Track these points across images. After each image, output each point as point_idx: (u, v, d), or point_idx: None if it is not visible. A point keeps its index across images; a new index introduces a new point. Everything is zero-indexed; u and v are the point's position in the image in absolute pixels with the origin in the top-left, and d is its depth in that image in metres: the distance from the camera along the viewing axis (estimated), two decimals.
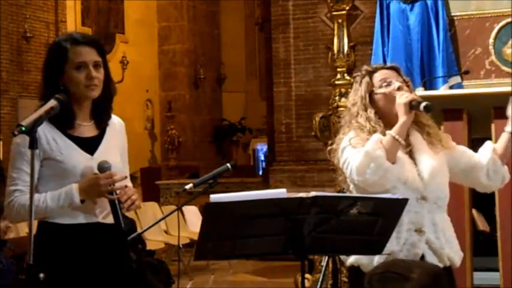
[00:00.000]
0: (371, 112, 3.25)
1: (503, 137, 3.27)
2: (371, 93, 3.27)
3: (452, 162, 3.30)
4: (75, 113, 3.04)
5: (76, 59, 3.00)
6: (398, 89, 3.22)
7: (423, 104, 3.13)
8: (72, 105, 3.02)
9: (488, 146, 3.31)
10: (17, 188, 2.92)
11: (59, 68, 3.01)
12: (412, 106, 3.14)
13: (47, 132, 2.98)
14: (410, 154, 3.24)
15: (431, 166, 3.21)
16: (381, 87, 3.25)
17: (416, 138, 3.25)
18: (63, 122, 3.00)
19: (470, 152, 3.35)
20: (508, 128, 3.23)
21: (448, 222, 3.28)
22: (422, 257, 3.18)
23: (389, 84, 3.24)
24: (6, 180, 3.05)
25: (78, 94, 3.01)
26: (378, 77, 3.27)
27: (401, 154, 3.21)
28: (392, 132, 3.13)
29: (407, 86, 3.27)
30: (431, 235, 3.19)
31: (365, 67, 3.36)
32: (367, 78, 3.29)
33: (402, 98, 3.16)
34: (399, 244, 3.14)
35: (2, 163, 8.44)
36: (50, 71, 3.05)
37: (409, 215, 3.16)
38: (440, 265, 3.16)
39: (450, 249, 3.20)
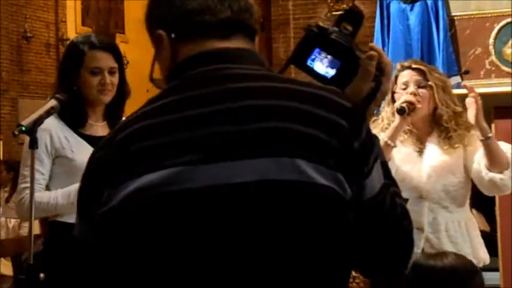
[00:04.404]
0: (391, 110, 3.30)
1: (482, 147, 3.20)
2: (394, 92, 3.31)
3: (467, 166, 3.30)
4: (88, 114, 3.06)
5: (92, 63, 3.02)
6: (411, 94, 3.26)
7: (398, 107, 3.18)
8: (85, 107, 3.05)
9: (476, 158, 3.25)
10: (28, 185, 2.93)
11: (74, 70, 3.03)
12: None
13: (58, 131, 3.01)
14: (423, 153, 3.27)
15: (432, 166, 3.22)
16: (400, 88, 3.29)
17: (433, 139, 3.27)
18: (75, 121, 3.03)
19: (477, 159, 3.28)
20: (479, 136, 3.18)
21: (460, 223, 3.26)
22: None
23: (406, 87, 3.27)
24: (18, 179, 3.08)
25: (91, 97, 3.04)
26: (402, 77, 3.31)
27: (412, 152, 3.25)
28: (384, 135, 3.17)
29: (431, 88, 3.26)
30: (430, 234, 3.20)
31: (397, 64, 3.39)
32: (393, 77, 3.33)
33: (398, 101, 3.21)
34: None
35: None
36: (65, 72, 3.08)
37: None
38: None
39: (455, 250, 3.18)
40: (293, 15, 9.46)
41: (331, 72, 1.55)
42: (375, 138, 1.46)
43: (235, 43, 1.47)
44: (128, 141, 1.38)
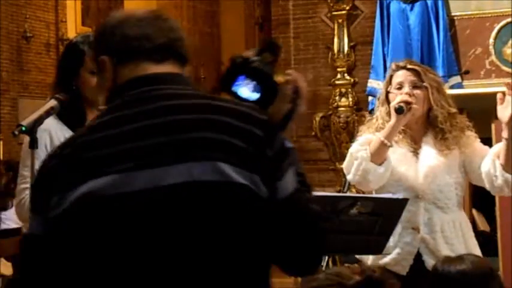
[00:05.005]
0: (385, 109, 3.30)
1: (503, 145, 3.18)
2: (388, 92, 3.31)
3: (467, 167, 3.29)
4: (87, 114, 3.06)
5: (92, 63, 3.01)
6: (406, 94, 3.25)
7: (396, 106, 3.16)
8: (84, 107, 3.05)
9: (488, 158, 3.23)
10: (27, 186, 2.92)
11: (74, 70, 3.03)
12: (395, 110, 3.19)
13: (58, 131, 3.00)
14: (418, 154, 3.26)
15: (428, 166, 3.21)
16: (395, 88, 3.28)
17: (428, 139, 3.26)
18: (74, 121, 3.02)
19: (483, 159, 3.25)
20: (504, 135, 3.15)
21: (454, 223, 3.24)
22: (419, 255, 3.19)
23: (400, 88, 3.26)
24: (17, 179, 3.07)
25: (90, 97, 3.03)
26: (397, 77, 3.30)
27: (406, 153, 3.24)
28: (380, 134, 3.16)
29: (426, 89, 3.25)
30: (426, 234, 3.19)
31: (392, 64, 3.39)
32: (388, 76, 3.33)
33: (394, 101, 3.20)
34: (394, 241, 3.15)
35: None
36: (64, 71, 3.07)
37: (403, 213, 3.17)
38: None
39: (450, 251, 3.18)
40: (293, 15, 9.44)
41: (254, 96, 1.80)
42: (291, 150, 1.72)
43: (168, 68, 1.74)
44: (75, 153, 1.65)
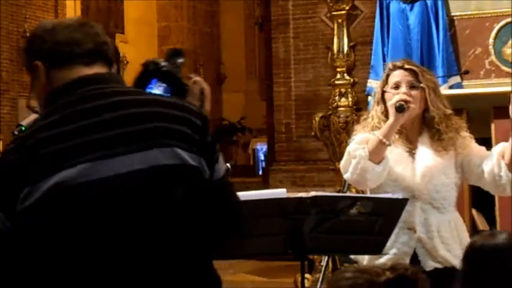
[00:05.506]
0: (381, 109, 3.29)
1: (509, 145, 3.16)
2: (384, 91, 3.30)
3: (466, 167, 3.29)
4: None
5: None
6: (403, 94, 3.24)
7: (396, 104, 3.15)
8: None
9: (492, 158, 3.23)
10: None
11: None
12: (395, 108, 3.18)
13: None
14: (414, 154, 3.26)
15: (425, 166, 3.21)
16: (392, 88, 3.28)
17: (424, 140, 3.26)
18: None
19: (481, 158, 3.26)
20: None
21: (450, 224, 3.24)
22: (415, 256, 3.18)
23: (397, 87, 3.26)
24: None
25: None
26: (393, 76, 3.29)
27: (402, 153, 3.24)
28: (378, 133, 3.15)
29: (423, 90, 3.25)
30: (423, 234, 3.19)
31: (389, 63, 3.38)
32: (385, 76, 3.32)
33: (392, 100, 3.19)
34: (390, 241, 3.14)
35: None
36: None
37: None
38: (438, 266, 3.16)
39: (447, 251, 3.18)
40: (293, 15, 9.44)
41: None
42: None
43: (97, 69, 1.94)
44: (39, 147, 1.78)
